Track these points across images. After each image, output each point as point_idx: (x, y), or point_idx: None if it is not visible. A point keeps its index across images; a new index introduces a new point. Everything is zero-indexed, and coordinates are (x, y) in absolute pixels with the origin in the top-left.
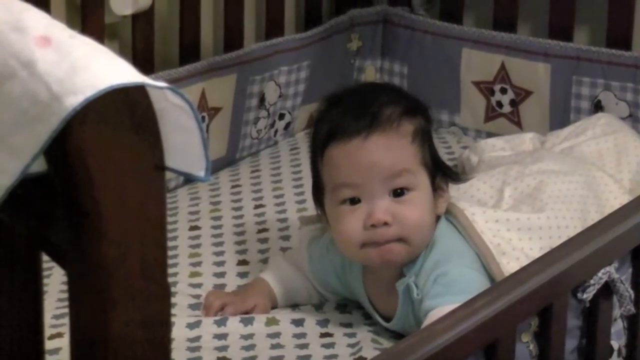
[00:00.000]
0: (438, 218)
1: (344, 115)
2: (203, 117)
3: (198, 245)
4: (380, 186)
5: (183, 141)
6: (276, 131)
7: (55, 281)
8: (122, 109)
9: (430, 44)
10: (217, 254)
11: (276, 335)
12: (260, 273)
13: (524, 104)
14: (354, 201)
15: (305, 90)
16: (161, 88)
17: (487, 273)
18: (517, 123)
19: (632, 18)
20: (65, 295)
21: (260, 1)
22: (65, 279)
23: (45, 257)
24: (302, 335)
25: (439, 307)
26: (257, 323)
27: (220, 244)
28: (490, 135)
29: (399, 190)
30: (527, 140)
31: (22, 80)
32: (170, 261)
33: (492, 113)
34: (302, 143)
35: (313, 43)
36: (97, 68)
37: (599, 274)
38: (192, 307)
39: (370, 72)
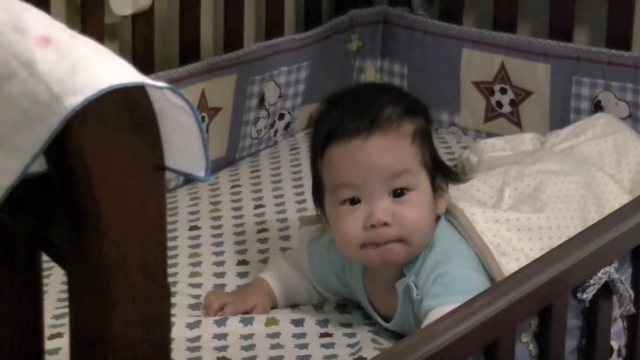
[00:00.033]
0: (438, 218)
1: (344, 115)
2: (203, 117)
3: (198, 245)
4: (380, 186)
5: (183, 141)
6: (276, 131)
7: (55, 281)
8: (122, 109)
9: (430, 44)
10: (217, 254)
11: (276, 335)
12: (260, 273)
13: (523, 104)
14: (354, 201)
15: (305, 90)
16: (161, 88)
17: (486, 273)
18: (517, 123)
19: (632, 18)
20: (65, 295)
21: (260, 1)
22: (65, 279)
23: (45, 257)
24: (302, 335)
25: (439, 307)
26: (256, 323)
27: (220, 244)
28: (490, 135)
29: (399, 191)
30: (527, 140)
31: (22, 81)
32: (170, 261)
33: (492, 113)
34: (302, 143)
35: (313, 43)
36: (97, 68)
37: (599, 274)
38: (192, 307)
39: (370, 72)
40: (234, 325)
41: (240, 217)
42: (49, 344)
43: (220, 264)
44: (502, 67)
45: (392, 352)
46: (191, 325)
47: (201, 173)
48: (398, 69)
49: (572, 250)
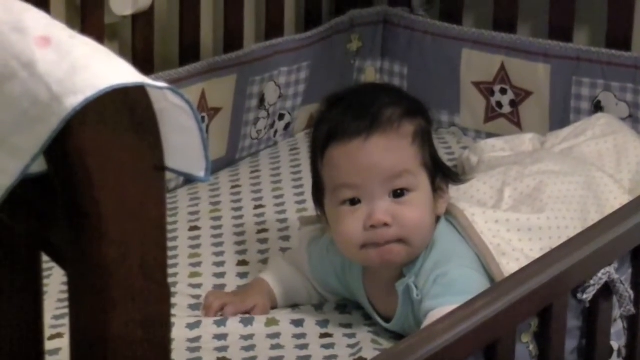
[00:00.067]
0: (438, 219)
1: (344, 116)
2: (203, 118)
3: (198, 246)
4: (380, 187)
5: (183, 141)
6: (276, 132)
7: (55, 281)
8: (122, 109)
9: (430, 44)
10: (217, 254)
11: (276, 335)
12: (260, 273)
13: (523, 105)
14: (354, 202)
15: (305, 90)
16: (161, 88)
17: (487, 274)
18: (516, 124)
19: (632, 18)
20: (65, 295)
21: (260, 2)
22: (65, 279)
23: (45, 257)
24: (302, 336)
25: (439, 308)
26: (257, 323)
27: (220, 244)
28: (490, 135)
29: (399, 191)
30: (527, 140)
31: (23, 81)
32: (170, 261)
33: (492, 113)
34: (302, 143)
35: (313, 44)
36: (97, 68)
37: (599, 275)
38: (192, 307)
39: (370, 72)
40: (234, 325)
41: (240, 217)
42: (49, 345)
43: (220, 264)
44: (502, 67)
45: (392, 353)
46: (191, 326)
47: (201, 173)
48: (398, 69)
49: (572, 251)
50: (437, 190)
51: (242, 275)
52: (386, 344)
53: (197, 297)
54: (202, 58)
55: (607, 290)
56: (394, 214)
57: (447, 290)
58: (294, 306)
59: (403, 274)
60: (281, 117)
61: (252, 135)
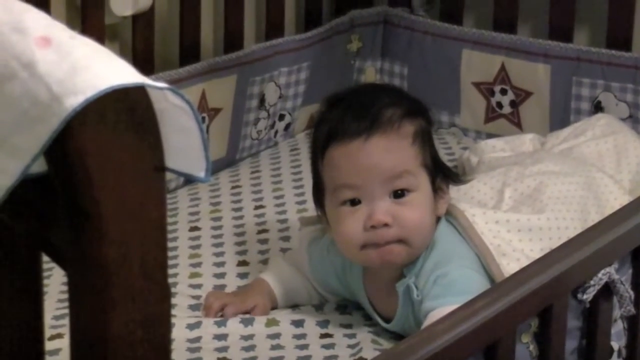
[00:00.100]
0: (438, 219)
1: (344, 116)
2: (203, 118)
3: (198, 246)
4: (380, 187)
5: (183, 142)
6: (276, 132)
7: (55, 282)
8: (122, 110)
9: (431, 44)
10: (217, 254)
11: (276, 336)
12: (260, 274)
13: (524, 105)
14: (355, 202)
15: (305, 91)
16: (161, 89)
17: (487, 274)
18: (517, 124)
19: (632, 19)
20: (66, 295)
21: (261, 2)
22: (65, 279)
23: (45, 258)
24: (302, 336)
25: (439, 308)
26: (257, 324)
27: (220, 244)
28: (490, 136)
29: (399, 192)
30: (527, 141)
31: (23, 81)
32: (170, 262)
33: (492, 114)
34: (302, 144)
35: (313, 44)
36: (97, 69)
37: (599, 275)
38: (192, 307)
39: (370, 73)
40: (234, 326)
41: (241, 217)
42: (49, 345)
43: (220, 264)
44: (503, 67)
45: (392, 353)
46: (191, 326)
47: (201, 174)
48: (398, 69)
49: (572, 251)
50: (437, 190)
51: (242, 276)
52: (386, 344)
53: (197, 297)
54: (202, 58)
55: (607, 290)
56: (394, 214)
57: (447, 291)
58: (294, 306)
59: (403, 275)
60: (281, 117)
61: (253, 136)
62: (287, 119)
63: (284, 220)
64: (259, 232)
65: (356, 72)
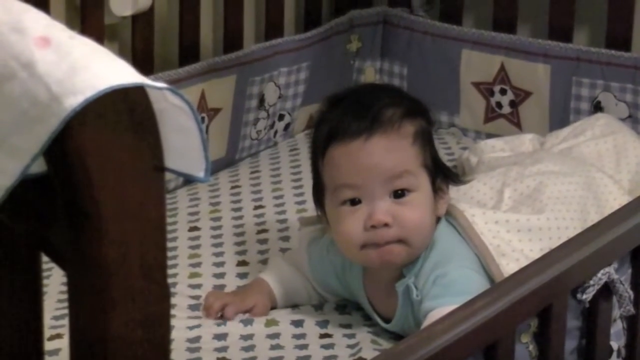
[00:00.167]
0: (438, 219)
1: (344, 116)
2: (202, 118)
3: (198, 246)
4: (380, 187)
5: (183, 142)
6: (276, 132)
7: (55, 282)
8: (122, 110)
9: (430, 45)
10: (217, 254)
11: (276, 335)
12: (259, 274)
13: (523, 105)
14: (355, 202)
15: (304, 91)
16: (160, 89)
17: (486, 274)
18: (516, 124)
19: (631, 19)
20: (65, 296)
21: (260, 2)
22: (65, 279)
23: (45, 258)
24: (302, 336)
25: (439, 308)
26: (256, 324)
27: (220, 244)
28: (489, 136)
29: (399, 192)
30: (526, 141)
31: (22, 81)
32: (170, 262)
33: (491, 114)
34: (301, 144)
35: (313, 44)
36: (96, 69)
37: (599, 275)
38: (192, 307)
39: (370, 73)
40: (233, 326)
41: (240, 217)
42: (48, 345)
43: (220, 264)
44: (502, 67)
45: (391, 353)
46: (191, 326)
47: (201, 174)
48: (398, 69)
49: (571, 251)
50: (437, 190)
51: (241, 276)
52: (386, 344)
53: (197, 297)
54: (202, 58)
55: (607, 290)
56: (394, 214)
57: (447, 291)
58: (294, 306)
59: (403, 275)
60: (281, 117)
61: (252, 136)
62: (287, 119)
63: (284, 220)
64: (259, 232)
65: (356, 72)
